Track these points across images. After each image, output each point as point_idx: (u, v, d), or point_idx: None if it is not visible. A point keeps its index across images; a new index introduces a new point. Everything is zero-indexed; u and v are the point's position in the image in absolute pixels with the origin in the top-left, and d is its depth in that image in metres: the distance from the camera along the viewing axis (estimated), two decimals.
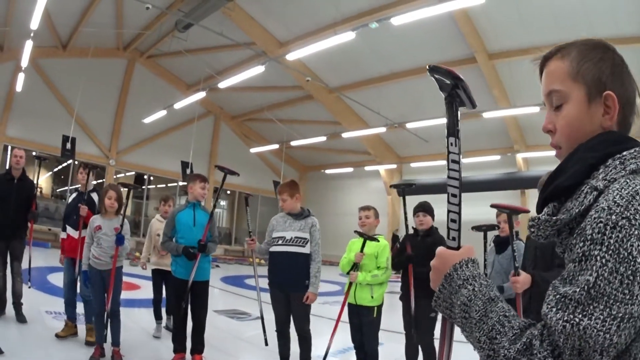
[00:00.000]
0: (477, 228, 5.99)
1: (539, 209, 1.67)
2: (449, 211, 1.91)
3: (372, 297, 7.02)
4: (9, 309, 8.95)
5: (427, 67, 2.02)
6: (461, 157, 1.82)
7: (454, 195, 1.93)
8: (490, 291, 1.54)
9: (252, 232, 7.81)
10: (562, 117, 1.61)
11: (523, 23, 18.96)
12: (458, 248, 1.79)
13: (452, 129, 2.01)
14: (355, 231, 7.17)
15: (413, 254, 6.97)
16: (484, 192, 27.03)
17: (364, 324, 7.08)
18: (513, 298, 5.31)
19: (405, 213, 7.35)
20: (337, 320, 7.22)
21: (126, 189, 7.98)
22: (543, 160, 26.76)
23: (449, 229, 1.87)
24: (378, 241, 7.15)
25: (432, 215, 7.25)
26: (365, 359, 7.23)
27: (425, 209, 7.27)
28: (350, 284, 7.11)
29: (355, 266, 7.01)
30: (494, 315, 1.46)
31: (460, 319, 1.56)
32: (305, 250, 7.21)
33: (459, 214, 1.90)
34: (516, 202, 18.08)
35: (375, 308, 7.12)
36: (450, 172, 1.98)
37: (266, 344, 7.43)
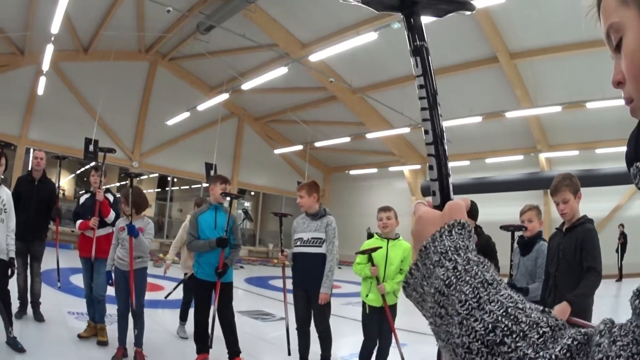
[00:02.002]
0: (505, 228, 5.93)
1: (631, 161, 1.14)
2: (426, 144, 1.44)
3: (395, 296, 7.11)
4: (29, 309, 9.07)
5: None
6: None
7: (426, 120, 1.49)
8: (486, 271, 0.98)
9: (284, 246, 7.80)
10: (624, 55, 1.10)
11: (544, 22, 18.86)
12: (441, 207, 1.22)
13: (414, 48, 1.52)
14: (359, 253, 7.15)
15: None
16: (507, 192, 26.97)
17: (385, 322, 7.08)
18: (538, 300, 5.30)
19: None
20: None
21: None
22: (566, 160, 26.66)
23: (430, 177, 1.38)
24: (396, 240, 7.22)
25: (474, 216, 6.97)
26: (378, 357, 7.27)
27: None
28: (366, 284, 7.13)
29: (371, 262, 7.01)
30: (496, 307, 0.89)
31: (432, 317, 1.00)
32: (322, 250, 7.31)
33: (438, 145, 1.42)
34: (539, 203, 18.05)
35: (396, 305, 7.21)
36: (419, 91, 1.55)
37: (289, 354, 7.41)
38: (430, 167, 1.38)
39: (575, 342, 0.81)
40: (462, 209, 1.16)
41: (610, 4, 1.14)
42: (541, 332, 0.84)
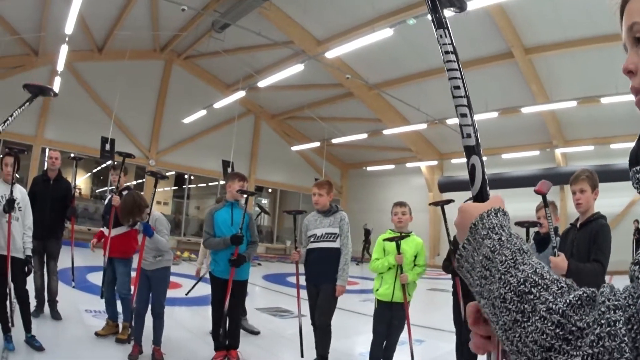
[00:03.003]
0: (520, 224, 5.91)
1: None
2: (460, 115, 1.59)
3: (408, 294, 7.03)
4: (46, 307, 9.11)
5: None
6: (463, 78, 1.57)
7: (457, 88, 1.61)
8: (523, 244, 1.19)
9: (298, 245, 7.78)
10: None
11: (558, 17, 18.85)
12: (484, 199, 1.44)
13: (440, 22, 1.76)
14: (386, 240, 7.15)
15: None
16: (523, 187, 26.92)
17: (395, 318, 7.07)
18: None
19: (447, 228, 7.19)
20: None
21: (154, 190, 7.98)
22: (581, 155, 26.61)
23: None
24: (408, 236, 7.19)
25: None
26: (385, 351, 7.23)
27: None
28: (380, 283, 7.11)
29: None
30: (527, 268, 1.10)
31: (478, 279, 1.20)
32: (336, 244, 7.34)
33: (470, 117, 1.57)
34: (555, 198, 17.99)
35: (408, 304, 7.10)
36: (447, 64, 1.70)
37: (302, 356, 7.39)
38: (470, 155, 1.53)
39: (585, 295, 1.01)
40: (502, 200, 1.38)
41: (638, 6, 1.23)
42: (560, 285, 1.04)
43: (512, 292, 1.06)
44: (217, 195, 34.40)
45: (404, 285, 6.89)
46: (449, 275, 7.19)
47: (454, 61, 1.67)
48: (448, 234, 7.00)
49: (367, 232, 33.42)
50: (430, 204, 7.46)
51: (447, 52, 1.69)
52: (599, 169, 21.83)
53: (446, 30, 1.73)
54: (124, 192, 8.62)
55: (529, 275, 1.07)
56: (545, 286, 1.04)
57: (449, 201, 7.09)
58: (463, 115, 1.56)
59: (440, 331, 9.10)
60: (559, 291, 1.03)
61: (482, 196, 1.46)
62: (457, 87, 1.60)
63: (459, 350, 6.99)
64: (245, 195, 7.88)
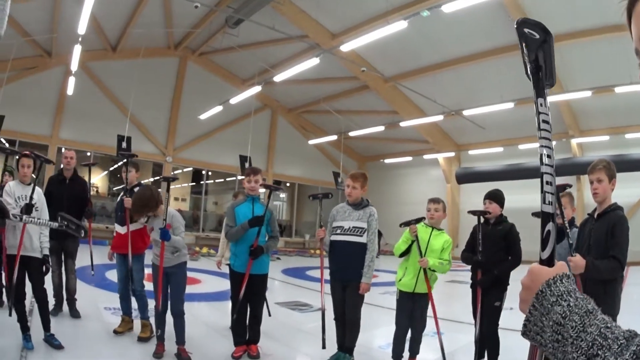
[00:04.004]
0: (537, 215, 5.89)
1: None
2: (544, 193, 1.69)
3: (431, 285, 7.04)
4: (65, 306, 9.19)
5: (516, 21, 1.86)
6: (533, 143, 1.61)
7: (548, 157, 1.74)
8: (588, 304, 1.29)
9: (322, 224, 7.76)
10: None
11: (570, 8, 18.81)
12: (551, 264, 1.52)
13: (540, 91, 1.80)
14: (402, 223, 7.16)
15: (482, 259, 6.91)
16: (538, 178, 26.86)
17: (417, 309, 7.11)
18: None
19: (479, 240, 7.17)
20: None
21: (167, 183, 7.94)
22: (597, 145, 26.56)
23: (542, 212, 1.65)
24: (439, 230, 7.32)
25: (500, 203, 7.13)
26: (410, 343, 7.27)
27: (491, 196, 7.18)
28: (404, 273, 7.14)
29: (408, 250, 7.13)
30: (594, 329, 1.20)
31: (551, 343, 1.29)
32: (363, 239, 7.25)
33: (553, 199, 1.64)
34: (572, 189, 17.92)
35: (430, 294, 7.13)
36: (542, 132, 1.78)
37: (323, 347, 7.40)
38: (547, 221, 1.62)
39: (638, 348, 1.10)
40: (566, 267, 1.45)
41: None
42: (619, 343, 1.13)
43: (584, 355, 1.17)
44: (236, 190, 34.64)
45: (425, 271, 6.96)
46: (468, 267, 7.19)
47: (549, 131, 1.79)
48: (478, 244, 7.03)
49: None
50: (468, 212, 7.48)
51: (544, 122, 1.79)
52: (614, 158, 21.76)
53: (546, 100, 1.79)
54: (136, 189, 8.69)
55: (595, 338, 1.17)
56: (608, 347, 1.14)
57: (484, 212, 7.07)
58: (548, 183, 1.67)
59: (459, 323, 9.09)
60: (619, 349, 1.12)
61: (551, 261, 1.56)
62: (549, 156, 1.73)
63: (477, 342, 6.98)
64: (254, 190, 7.86)
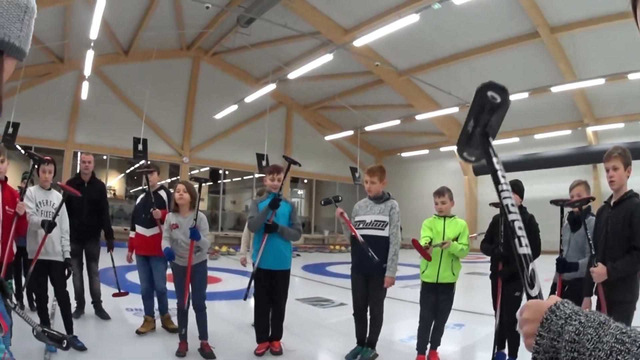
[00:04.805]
0: (554, 202, 5.91)
1: None
2: (518, 253, 1.63)
3: (453, 273, 7.12)
4: (89, 308, 9.26)
5: (481, 85, 1.84)
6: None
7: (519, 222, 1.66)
8: (599, 316, 1.29)
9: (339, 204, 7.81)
10: None
11: None
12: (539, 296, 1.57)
13: (492, 150, 1.80)
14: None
15: (504, 252, 6.88)
16: (557, 167, 26.77)
17: (441, 301, 7.13)
18: (581, 277, 5.33)
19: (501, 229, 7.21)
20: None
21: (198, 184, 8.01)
22: (612, 133, 26.43)
23: (523, 274, 1.60)
24: (451, 217, 7.36)
25: (520, 194, 7.11)
26: (433, 334, 7.28)
27: (512, 187, 6.99)
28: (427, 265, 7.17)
29: (430, 243, 7.12)
30: (610, 338, 1.20)
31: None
32: (385, 233, 7.31)
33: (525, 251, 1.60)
34: (588, 177, 17.77)
35: (454, 284, 7.22)
36: (502, 186, 1.73)
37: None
38: (529, 262, 1.58)
39: None
40: (558, 298, 1.44)
41: None
42: (638, 344, 1.14)
43: None
44: (253, 188, 34.78)
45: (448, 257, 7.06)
46: (487, 258, 7.21)
47: (508, 184, 1.76)
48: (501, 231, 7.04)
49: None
50: (490, 204, 7.52)
51: (502, 177, 1.77)
52: (629, 146, 21.70)
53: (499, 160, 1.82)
54: (160, 192, 8.77)
55: (613, 345, 1.17)
56: (627, 350, 1.14)
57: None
58: (520, 229, 1.64)
59: (479, 315, 9.11)
60: (638, 350, 1.13)
61: (542, 296, 1.56)
62: (512, 205, 1.68)
63: (497, 334, 7.00)
64: (277, 188, 7.90)
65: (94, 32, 17.52)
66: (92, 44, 19.04)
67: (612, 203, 5.33)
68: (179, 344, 7.28)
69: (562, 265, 5.94)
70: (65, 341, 1.68)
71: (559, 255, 6.06)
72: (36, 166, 7.30)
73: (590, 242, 5.22)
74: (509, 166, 28.88)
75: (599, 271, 4.96)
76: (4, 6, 1.83)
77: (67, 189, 7.26)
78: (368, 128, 33.16)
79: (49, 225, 6.79)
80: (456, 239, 7.13)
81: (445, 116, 29.97)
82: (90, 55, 20.18)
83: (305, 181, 40.79)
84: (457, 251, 7.04)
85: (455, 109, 26.96)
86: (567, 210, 6.28)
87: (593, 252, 5.18)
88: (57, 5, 20.84)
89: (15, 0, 1.88)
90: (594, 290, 5.24)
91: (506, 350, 6.96)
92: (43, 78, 26.78)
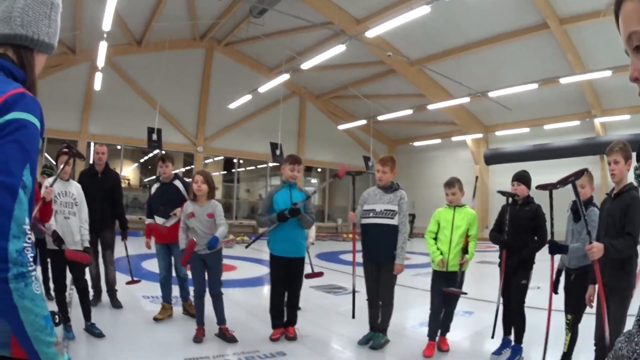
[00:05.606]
0: (541, 187, 6.02)
1: None
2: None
3: (462, 266, 7.24)
4: (105, 296, 9.46)
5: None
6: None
7: None
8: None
9: (356, 205, 7.96)
10: None
11: None
12: None
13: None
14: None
15: (508, 240, 7.05)
16: (566, 158, 26.80)
17: (450, 287, 7.22)
18: (589, 264, 5.45)
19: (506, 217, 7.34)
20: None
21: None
22: (620, 124, 26.36)
23: None
24: (461, 207, 7.52)
25: (527, 184, 7.21)
26: (443, 320, 7.44)
27: (519, 178, 7.26)
28: (438, 257, 7.32)
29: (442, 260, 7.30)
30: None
31: None
32: (394, 222, 7.47)
33: None
34: (595, 168, 17.76)
35: (464, 272, 7.37)
36: None
37: (353, 317, 7.64)
38: None
39: None
40: None
41: (632, 13, 1.29)
42: None
43: None
44: (267, 177, 34.93)
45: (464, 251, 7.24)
46: (497, 248, 7.34)
47: None
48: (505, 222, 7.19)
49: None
50: (498, 192, 7.65)
51: None
52: (636, 137, 21.74)
53: None
54: (175, 182, 8.93)
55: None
56: None
57: (513, 195, 7.19)
58: None
59: (488, 302, 9.22)
60: None
61: None
62: None
63: (500, 318, 7.20)
64: (295, 178, 8.05)
65: (106, 24, 17.68)
66: (105, 35, 19.19)
67: (612, 195, 5.49)
68: (197, 330, 7.45)
69: (553, 247, 5.96)
70: (56, 316, 1.84)
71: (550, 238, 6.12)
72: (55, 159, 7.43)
73: (588, 228, 5.35)
74: (519, 156, 28.92)
75: (598, 246, 5.07)
76: (30, 5, 2.03)
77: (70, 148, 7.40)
78: (381, 117, 33.18)
79: (58, 241, 6.97)
80: (466, 248, 7.26)
81: (456, 106, 30.05)
82: (103, 46, 20.34)
83: (319, 170, 40.82)
84: (472, 252, 7.28)
85: (467, 99, 26.98)
86: (570, 200, 6.40)
87: (590, 238, 5.30)
88: None
89: None
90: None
91: (512, 337, 7.06)
92: (54, 69, 26.94)
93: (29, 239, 1.74)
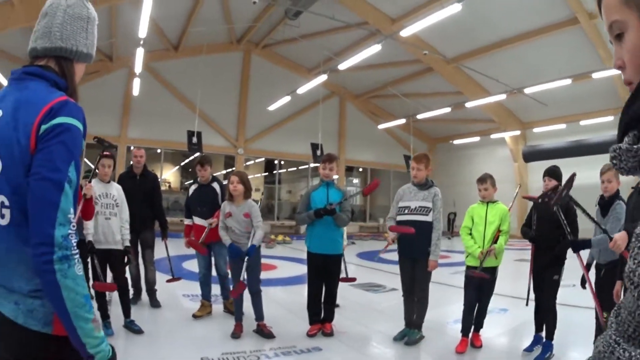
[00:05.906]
0: (527, 198, 6.07)
1: (620, 138, 1.44)
2: None
3: (495, 258, 7.35)
4: (144, 296, 9.70)
5: None
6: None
7: None
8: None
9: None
10: (625, 48, 1.33)
11: None
12: None
13: None
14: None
15: (537, 234, 7.14)
16: (603, 154, 26.65)
17: (484, 283, 7.33)
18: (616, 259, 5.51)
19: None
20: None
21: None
22: None
23: None
24: (494, 202, 7.61)
25: (558, 180, 7.20)
26: (476, 317, 7.52)
27: (550, 173, 7.27)
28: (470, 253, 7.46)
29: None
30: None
31: None
32: (429, 218, 7.59)
33: None
34: None
35: (497, 268, 7.46)
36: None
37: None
38: None
39: None
40: None
41: (612, 3, 1.31)
42: None
43: None
44: (309, 178, 35.10)
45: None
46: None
47: None
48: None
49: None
50: (523, 197, 7.71)
51: None
52: None
53: None
54: (213, 184, 9.12)
55: None
56: None
57: (544, 198, 7.22)
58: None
59: (523, 300, 9.27)
60: None
61: None
62: None
63: (535, 317, 7.26)
64: (330, 177, 8.21)
65: (142, 31, 18.05)
66: (141, 42, 19.54)
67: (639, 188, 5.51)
68: (235, 326, 7.62)
69: (575, 245, 6.07)
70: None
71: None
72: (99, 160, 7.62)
73: (603, 227, 5.38)
74: (557, 153, 28.69)
75: (621, 235, 5.08)
76: (68, 21, 2.25)
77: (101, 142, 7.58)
78: (420, 116, 33.06)
79: (90, 248, 7.19)
80: (496, 239, 7.35)
81: (494, 103, 29.86)
82: (140, 53, 20.75)
83: (360, 169, 40.91)
84: (502, 246, 7.34)
85: (503, 96, 26.87)
86: (597, 193, 6.44)
87: (607, 234, 5.32)
88: (102, 5, 21.23)
89: (77, 14, 2.30)
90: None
91: (543, 334, 7.11)
92: (92, 76, 27.32)
93: (73, 226, 2.00)
